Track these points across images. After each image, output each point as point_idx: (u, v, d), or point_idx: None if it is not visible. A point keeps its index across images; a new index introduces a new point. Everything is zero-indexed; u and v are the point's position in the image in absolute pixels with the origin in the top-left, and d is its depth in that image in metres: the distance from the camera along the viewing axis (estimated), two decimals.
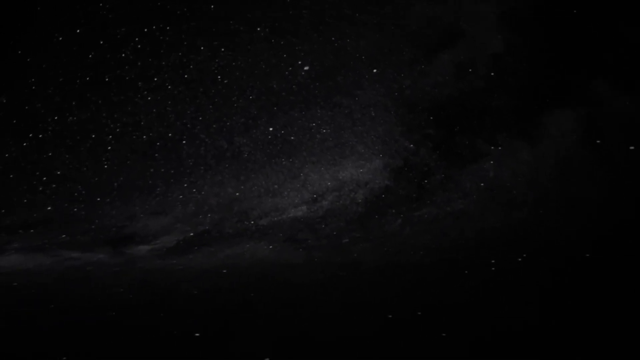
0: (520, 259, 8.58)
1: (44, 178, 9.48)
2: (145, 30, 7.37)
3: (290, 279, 9.63)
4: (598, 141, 7.32)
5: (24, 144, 9.48)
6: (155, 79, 8.62)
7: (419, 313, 7.66)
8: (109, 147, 9.72)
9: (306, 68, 7.18)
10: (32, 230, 9.49)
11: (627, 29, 6.08)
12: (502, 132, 7.78)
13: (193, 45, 7.46)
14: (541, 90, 6.87)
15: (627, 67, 6.44)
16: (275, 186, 8.75)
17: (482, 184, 8.50)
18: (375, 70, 6.97)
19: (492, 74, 6.68)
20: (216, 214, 9.21)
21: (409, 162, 8.42)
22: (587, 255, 7.94)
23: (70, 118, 9.51)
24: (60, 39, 8.10)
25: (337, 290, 9.17)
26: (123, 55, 8.25)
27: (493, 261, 8.65)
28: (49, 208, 9.61)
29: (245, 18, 6.73)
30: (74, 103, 9.38)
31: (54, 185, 9.56)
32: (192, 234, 9.40)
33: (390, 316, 7.71)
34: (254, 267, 9.68)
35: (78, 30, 7.69)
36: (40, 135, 9.55)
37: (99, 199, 9.55)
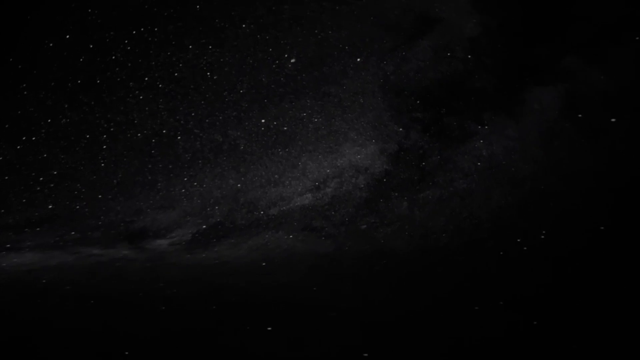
0: (543, 235, 9.07)
1: (41, 178, 9.64)
2: (134, 32, 7.56)
3: (337, 271, 9.95)
4: (580, 115, 7.76)
5: (18, 147, 9.70)
6: (146, 79, 8.83)
7: (501, 303, 8.15)
8: (104, 146, 9.96)
9: (293, 61, 7.47)
10: (38, 229, 9.71)
11: (594, 6, 6.42)
12: (487, 111, 8.14)
13: (181, 44, 7.68)
14: (518, 69, 7.24)
15: (597, 43, 6.82)
16: (276, 176, 9.04)
17: (478, 163, 8.84)
18: (358, 60, 7.28)
19: (470, 56, 7.02)
20: (223, 206, 9.46)
21: (403, 145, 8.76)
22: (602, 227, 8.52)
23: (64, 120, 9.72)
24: (51, 45, 8.27)
25: (386, 278, 9.59)
26: (113, 57, 8.44)
27: (519, 240, 9.15)
28: (50, 206, 9.79)
29: (230, 16, 6.95)
30: (66, 105, 9.57)
31: (51, 185, 9.74)
32: (204, 226, 9.64)
33: (476, 308, 8.15)
34: (291, 259, 9.97)
35: (68, 36, 7.86)
36: (34, 138, 9.77)
37: (100, 196, 9.76)
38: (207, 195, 9.16)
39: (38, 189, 9.70)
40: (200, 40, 7.49)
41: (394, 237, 9.79)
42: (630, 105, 7.53)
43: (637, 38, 6.65)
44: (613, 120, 7.61)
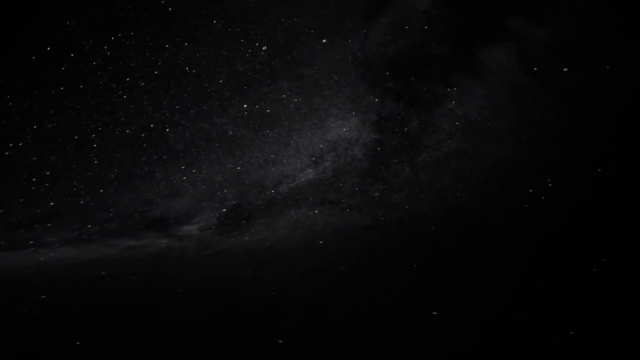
0: (550, 184, 9.49)
1: (34, 179, 10.03)
2: (112, 38, 7.98)
3: (389, 240, 10.03)
4: (535, 69, 8.59)
5: (6, 153, 10.08)
6: (128, 79, 9.27)
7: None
8: (95, 145, 10.38)
9: (264, 48, 8.06)
10: (49, 224, 10.17)
11: None
12: (452, 75, 8.76)
13: (157, 44, 8.16)
14: (470, 33, 7.98)
15: (536, 1, 7.57)
16: (272, 156, 9.55)
17: (457, 123, 9.36)
18: (324, 41, 7.91)
19: (426, 27, 7.72)
20: (231, 189, 9.90)
21: (382, 114, 9.31)
22: (599, 170, 9.17)
23: (50, 125, 10.11)
24: (33, 57, 8.62)
25: (432, 242, 9.94)
26: (94, 63, 8.84)
27: (530, 190, 9.59)
28: (52, 203, 10.17)
29: (201, 14, 7.45)
30: (51, 111, 9.96)
31: (46, 184, 10.12)
32: (224, 209, 10.07)
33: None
34: (337, 233, 10.11)
35: (48, 48, 8.22)
36: (21, 144, 10.17)
37: (101, 190, 10.24)
38: (209, 180, 9.66)
39: (33, 189, 10.08)
40: (175, 39, 7.98)
41: (413, 201, 10.15)
42: (574, 55, 8.42)
43: None
44: (565, 69, 8.48)
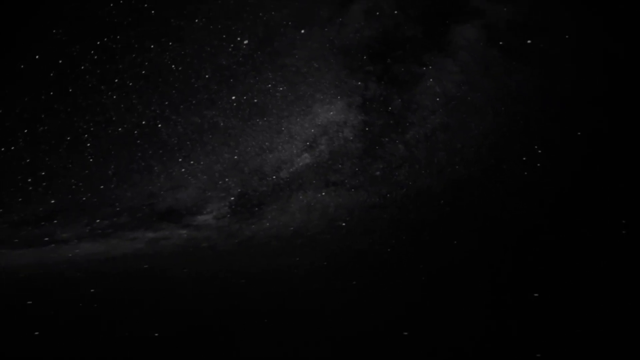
0: (540, 150, 9.68)
1: (29, 180, 10.26)
2: (98, 43, 8.28)
3: (407, 217, 10.04)
4: (501, 43, 9.15)
5: None
6: (116, 80, 9.59)
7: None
8: (88, 144, 10.64)
9: (246, 42, 8.47)
10: (55, 221, 10.40)
11: None
12: (425, 54, 9.19)
13: (143, 46, 8.50)
14: (438, 15, 8.48)
15: None
16: (267, 143, 9.84)
17: (437, 99, 9.70)
18: (303, 31, 8.34)
19: (396, 12, 8.18)
20: (233, 177, 10.10)
21: (365, 96, 9.70)
22: (579, 133, 9.51)
23: (41, 128, 10.40)
24: (22, 66, 8.89)
25: (450, 216, 10.00)
26: (82, 67, 9.15)
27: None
28: (52, 201, 10.39)
29: (183, 14, 7.80)
30: (42, 115, 10.25)
31: (43, 184, 10.34)
32: (232, 197, 10.24)
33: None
34: (354, 214, 10.17)
35: (37, 57, 8.50)
36: (13, 147, 10.46)
37: (102, 187, 10.49)
38: (208, 170, 9.97)
39: (30, 189, 10.35)
40: (160, 39, 8.33)
41: (415, 177, 10.36)
42: (536, 28, 8.99)
43: None
44: (529, 41, 9.06)
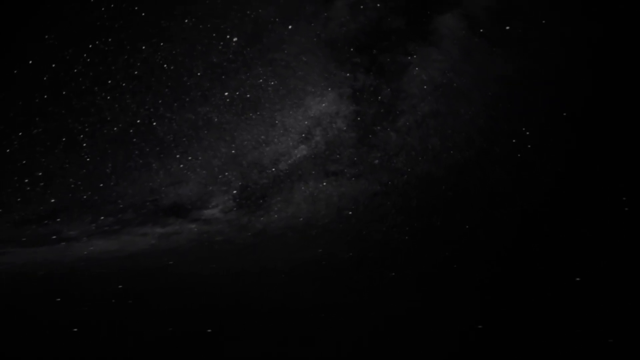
0: (528, 132, 9.75)
1: (26, 180, 10.39)
2: (91, 46, 8.49)
3: (410, 204, 10.09)
4: (481, 30, 9.51)
5: None
6: (110, 82, 9.78)
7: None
8: (84, 145, 10.75)
9: (235, 39, 8.73)
10: (58, 219, 10.45)
11: None
12: (410, 44, 9.46)
13: (135, 47, 8.72)
14: (420, 5, 8.80)
15: None
16: (262, 137, 10.00)
17: (425, 87, 9.88)
18: (290, 27, 8.61)
19: (378, 4, 8.48)
20: (232, 171, 10.17)
21: (355, 87, 9.90)
22: (564, 114, 9.49)
23: (35, 130, 10.59)
24: (15, 71, 9.07)
25: (454, 201, 10.00)
26: (75, 70, 9.34)
27: (514, 140, 9.87)
28: (52, 200, 10.49)
29: (173, 15, 8.02)
30: (37, 118, 10.43)
31: (41, 184, 10.47)
32: (234, 191, 10.20)
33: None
34: (360, 203, 10.25)
35: (30, 62, 8.69)
36: (8, 150, 10.64)
37: (101, 185, 10.62)
38: (207, 165, 10.13)
39: (28, 189, 10.47)
40: (151, 40, 8.56)
41: (413, 163, 10.46)
42: (513, 13, 9.37)
43: None
44: (507, 27, 9.44)
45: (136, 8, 7.56)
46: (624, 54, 9.14)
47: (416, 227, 10.21)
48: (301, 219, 10.32)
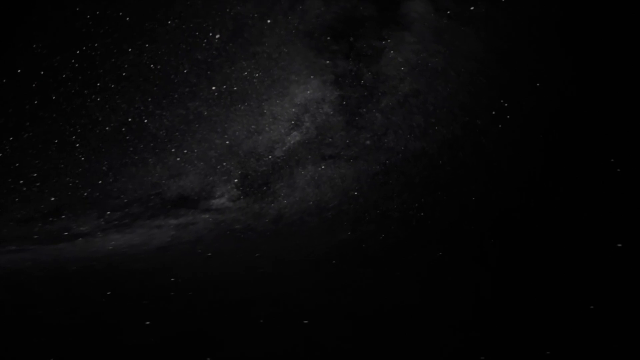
0: (505, 104, 9.94)
1: (21, 181, 10.53)
2: (78, 52, 8.81)
3: (413, 180, 10.18)
4: (448, 12, 10.03)
5: None
6: (98, 84, 10.10)
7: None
8: (77, 145, 10.94)
9: (217, 36, 9.15)
10: (63, 216, 10.54)
11: None
12: (384, 29, 9.88)
13: (121, 50, 9.08)
14: None
15: None
16: (253, 126, 10.28)
17: (402, 68, 10.21)
18: (269, 21, 9.05)
19: None
20: (230, 160, 10.38)
21: (336, 73, 10.30)
22: (537, 84, 9.60)
23: (26, 135, 10.87)
24: (4, 81, 9.35)
25: (455, 175, 10.01)
26: (64, 76, 9.65)
27: (493, 112, 9.98)
28: (53, 199, 10.62)
29: (156, 17, 8.39)
30: (27, 123, 10.72)
31: (37, 184, 10.60)
32: (235, 180, 10.37)
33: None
34: (363, 183, 10.44)
35: (19, 70, 8.98)
36: (0, 154, 10.95)
37: (100, 182, 10.83)
38: (204, 157, 10.40)
39: (24, 189, 10.63)
40: (136, 42, 8.93)
41: (406, 142, 10.66)
42: None
43: None
44: (472, 8, 10.01)
45: (121, 13, 7.91)
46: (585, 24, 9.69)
47: (425, 202, 10.20)
48: (311, 202, 10.41)
